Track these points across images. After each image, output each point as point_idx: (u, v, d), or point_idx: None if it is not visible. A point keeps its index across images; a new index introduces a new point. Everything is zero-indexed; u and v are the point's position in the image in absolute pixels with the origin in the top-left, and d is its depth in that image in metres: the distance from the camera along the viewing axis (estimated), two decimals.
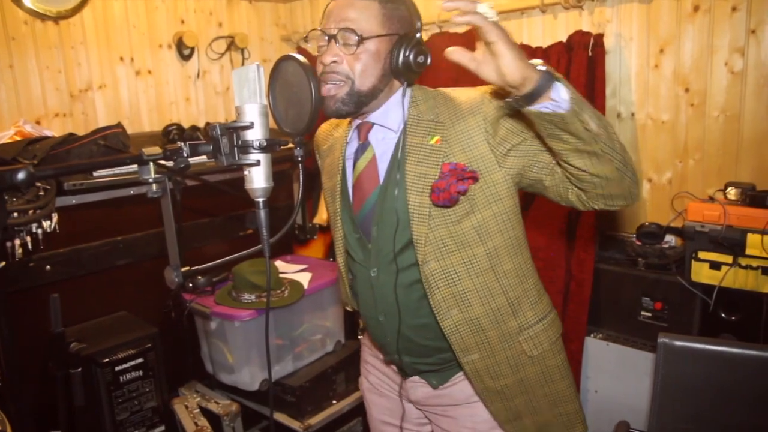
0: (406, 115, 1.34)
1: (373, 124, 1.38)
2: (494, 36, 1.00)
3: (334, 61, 1.26)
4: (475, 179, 1.27)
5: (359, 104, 1.30)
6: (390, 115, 1.35)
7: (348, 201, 1.44)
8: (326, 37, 1.28)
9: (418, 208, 1.31)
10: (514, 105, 1.09)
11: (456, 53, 1.07)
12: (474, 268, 1.33)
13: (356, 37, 1.25)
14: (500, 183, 1.30)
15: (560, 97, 1.06)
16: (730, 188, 2.11)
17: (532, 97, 1.05)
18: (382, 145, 1.38)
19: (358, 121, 1.41)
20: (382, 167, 1.37)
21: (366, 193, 1.39)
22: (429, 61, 1.31)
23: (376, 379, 1.66)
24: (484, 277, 1.34)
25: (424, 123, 1.32)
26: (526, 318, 1.38)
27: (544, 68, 1.06)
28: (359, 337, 1.75)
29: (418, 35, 1.30)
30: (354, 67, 1.27)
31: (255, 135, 1.07)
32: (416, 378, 1.50)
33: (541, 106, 1.06)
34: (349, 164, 1.44)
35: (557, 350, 1.43)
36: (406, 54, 1.26)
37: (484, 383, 1.39)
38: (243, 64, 3.35)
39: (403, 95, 1.34)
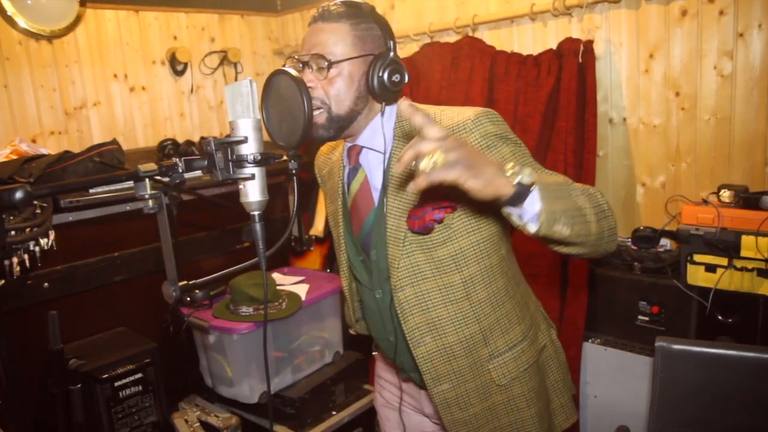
0: (391, 135, 1.33)
1: (362, 147, 1.37)
2: (451, 179, 0.94)
3: (310, 87, 1.25)
4: (452, 208, 1.25)
5: (340, 128, 1.30)
6: (376, 136, 1.34)
7: (349, 224, 1.45)
8: (300, 65, 1.29)
9: (395, 232, 1.31)
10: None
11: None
12: (449, 296, 1.32)
13: (326, 62, 1.25)
14: (479, 213, 1.28)
15: (533, 210, 1.01)
16: (723, 190, 2.12)
17: (510, 204, 1.02)
18: (373, 166, 1.37)
19: (349, 144, 1.40)
20: (375, 189, 1.37)
21: (363, 215, 1.39)
22: (406, 79, 1.29)
23: (390, 395, 1.67)
24: (459, 305, 1.32)
25: None
26: (496, 346, 1.36)
27: (517, 180, 0.98)
28: (374, 353, 1.73)
29: (392, 54, 1.28)
30: (328, 91, 1.26)
31: (249, 149, 1.08)
32: None
33: (515, 212, 1.03)
34: (347, 188, 1.44)
35: (527, 378, 1.39)
36: (381, 74, 1.25)
37: (453, 414, 1.38)
38: (236, 78, 3.38)
39: (382, 115, 1.32)
